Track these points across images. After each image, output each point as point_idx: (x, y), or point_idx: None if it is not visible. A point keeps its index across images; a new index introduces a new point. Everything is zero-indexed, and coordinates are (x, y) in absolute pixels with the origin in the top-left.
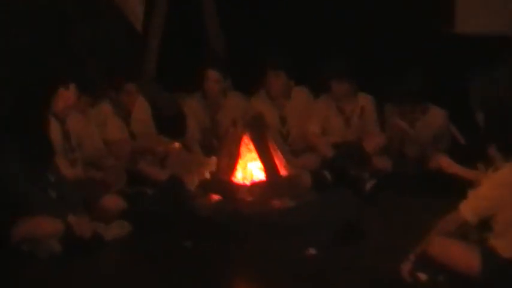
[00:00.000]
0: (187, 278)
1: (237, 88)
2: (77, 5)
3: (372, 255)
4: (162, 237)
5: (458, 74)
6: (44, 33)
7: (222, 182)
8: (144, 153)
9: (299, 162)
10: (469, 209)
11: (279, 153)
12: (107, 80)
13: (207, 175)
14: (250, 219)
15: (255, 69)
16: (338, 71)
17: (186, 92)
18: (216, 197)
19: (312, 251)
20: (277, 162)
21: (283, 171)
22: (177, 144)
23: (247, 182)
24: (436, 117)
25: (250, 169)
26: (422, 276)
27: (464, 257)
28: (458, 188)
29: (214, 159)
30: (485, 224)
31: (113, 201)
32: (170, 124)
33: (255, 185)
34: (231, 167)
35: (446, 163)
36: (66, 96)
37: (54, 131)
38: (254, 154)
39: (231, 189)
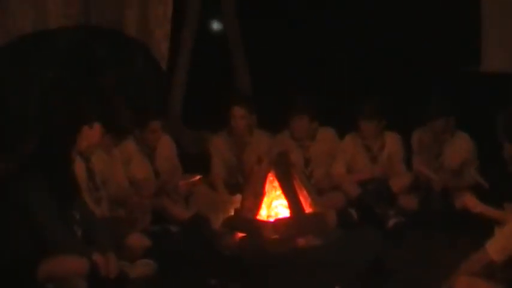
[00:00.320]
0: None
1: (261, 126)
2: (107, 45)
3: None
4: (187, 276)
5: (484, 111)
6: (73, 72)
7: (247, 219)
8: (168, 190)
9: (324, 200)
10: (495, 248)
11: (304, 191)
12: (132, 118)
13: (232, 213)
14: (275, 257)
15: (280, 108)
16: (368, 110)
17: (211, 130)
18: (240, 235)
19: None
20: (302, 199)
21: (308, 209)
22: (197, 177)
23: (272, 220)
24: (463, 140)
25: (275, 206)
26: None
27: None
28: (485, 226)
29: (239, 197)
30: (511, 263)
31: (137, 240)
32: (195, 162)
33: (280, 223)
34: (256, 205)
35: (472, 203)
36: (91, 134)
37: (79, 169)
38: (279, 191)
39: (255, 227)
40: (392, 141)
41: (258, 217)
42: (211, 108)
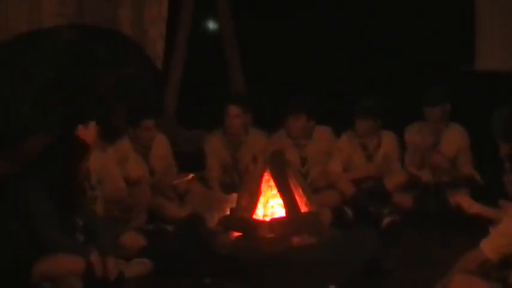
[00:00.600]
0: None
1: (257, 124)
2: (101, 44)
3: None
4: (182, 275)
5: (479, 109)
6: (68, 71)
7: (242, 218)
8: (163, 189)
9: (319, 199)
10: (490, 246)
11: (300, 189)
12: (127, 116)
13: (228, 212)
14: (271, 257)
15: (276, 107)
16: (364, 109)
17: (206, 129)
18: (236, 234)
19: (332, 287)
20: (297, 198)
21: (303, 208)
22: (190, 176)
23: (268, 219)
24: (458, 129)
25: (270, 206)
26: None
27: None
28: (480, 225)
29: (234, 196)
30: (506, 262)
31: (132, 239)
32: (191, 161)
33: (275, 222)
34: (252, 204)
35: (466, 203)
36: (86, 134)
37: None
38: (274, 190)
39: (251, 226)
40: (388, 140)
41: (254, 216)
42: (206, 107)
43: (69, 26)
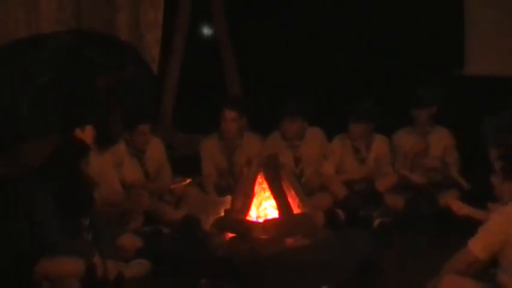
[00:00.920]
0: None
1: (252, 126)
2: (99, 48)
3: None
4: (179, 275)
5: (470, 113)
6: (65, 75)
7: (237, 220)
8: (159, 193)
9: (312, 201)
10: (477, 244)
11: (293, 192)
12: (122, 121)
13: (222, 214)
14: (264, 258)
15: (271, 109)
16: (357, 113)
17: (202, 132)
18: (230, 235)
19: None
20: (290, 201)
21: (296, 210)
22: (188, 180)
23: (261, 220)
24: (444, 133)
25: (264, 207)
26: None
27: None
28: (470, 226)
29: (229, 198)
30: (494, 261)
31: (130, 240)
32: (187, 164)
33: (269, 223)
34: (246, 206)
35: (456, 206)
36: (82, 137)
37: None
38: (268, 193)
39: (245, 228)
40: (380, 144)
41: (248, 218)
42: (203, 110)
43: (67, 31)
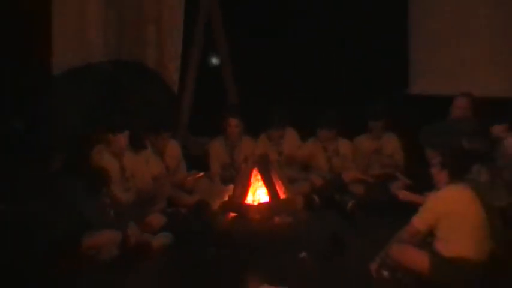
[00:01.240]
0: (210, 274)
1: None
2: (133, 74)
3: (350, 258)
4: (192, 245)
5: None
6: (105, 93)
7: (237, 203)
8: (178, 184)
9: (294, 188)
10: (418, 220)
11: (280, 182)
12: (149, 129)
13: (226, 199)
14: (257, 232)
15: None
16: (327, 122)
17: (210, 136)
18: (232, 215)
19: (303, 255)
20: (278, 188)
21: (282, 196)
22: (201, 174)
23: (256, 203)
24: (393, 138)
25: (258, 194)
26: (385, 273)
27: (416, 258)
28: (414, 209)
29: (231, 187)
30: (431, 232)
31: (156, 218)
32: (198, 161)
33: (262, 206)
34: (244, 193)
35: (402, 195)
36: (114, 141)
37: (113, 166)
38: (261, 183)
39: (243, 209)
40: (344, 146)
41: (246, 202)
42: (210, 119)
43: (110, 61)
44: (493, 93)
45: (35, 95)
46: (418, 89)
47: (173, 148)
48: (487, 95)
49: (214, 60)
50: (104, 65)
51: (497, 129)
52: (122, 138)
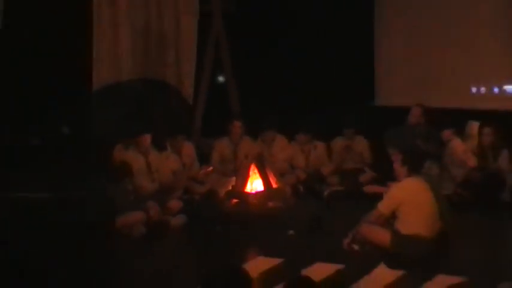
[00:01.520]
0: (218, 247)
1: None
2: (156, 90)
3: (327, 234)
4: (203, 224)
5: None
6: (138, 107)
7: (239, 192)
8: (192, 177)
9: (283, 180)
10: (383, 205)
11: (272, 175)
12: (169, 133)
13: (230, 188)
14: (255, 214)
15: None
16: (304, 128)
17: (215, 137)
18: (235, 201)
19: (291, 232)
20: (271, 180)
21: (274, 186)
22: (210, 168)
23: (253, 192)
24: (362, 140)
25: (255, 184)
26: (355, 247)
27: (380, 235)
28: (379, 197)
29: (233, 179)
30: (393, 215)
31: (175, 203)
32: (208, 159)
33: (258, 194)
34: (244, 183)
35: (369, 189)
36: (140, 141)
37: (140, 161)
38: (257, 175)
39: (244, 196)
40: (319, 148)
41: (245, 190)
42: (217, 123)
43: (138, 79)
44: (443, 103)
45: (78, 106)
46: (382, 101)
47: (188, 148)
48: (438, 105)
49: (221, 77)
50: (133, 83)
51: (446, 134)
52: (145, 140)
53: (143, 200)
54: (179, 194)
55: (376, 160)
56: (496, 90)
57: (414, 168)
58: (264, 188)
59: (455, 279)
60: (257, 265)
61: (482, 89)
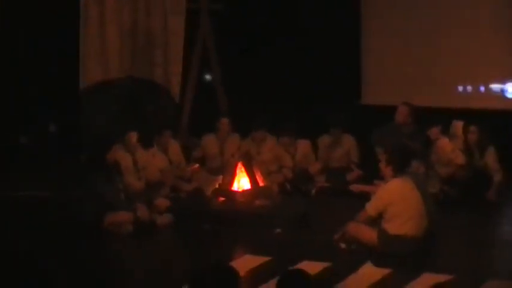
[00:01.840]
0: (205, 245)
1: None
2: (144, 88)
3: (313, 232)
4: (190, 223)
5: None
6: (125, 105)
7: (225, 190)
8: (179, 175)
9: (270, 178)
10: (370, 207)
11: (259, 173)
12: (156, 130)
13: (217, 186)
14: (242, 212)
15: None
16: (287, 129)
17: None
18: (222, 199)
19: (278, 230)
20: (257, 178)
21: (261, 184)
22: (196, 165)
23: (240, 190)
24: (349, 138)
25: (242, 182)
26: (343, 245)
27: (368, 234)
28: (367, 197)
29: (221, 176)
30: (380, 215)
31: (162, 201)
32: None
33: (245, 192)
34: (231, 181)
35: (355, 188)
36: (128, 139)
37: (127, 159)
38: (244, 174)
39: (231, 194)
40: (303, 146)
41: (232, 188)
42: (204, 121)
43: (126, 77)
44: (429, 102)
45: (65, 105)
46: (369, 100)
47: (174, 146)
48: (425, 104)
49: (208, 76)
50: (122, 81)
51: (433, 132)
52: (132, 137)
53: (131, 198)
54: (166, 192)
55: (363, 159)
56: (482, 89)
57: (399, 167)
58: (251, 186)
59: (441, 277)
60: (244, 263)
61: (469, 88)
